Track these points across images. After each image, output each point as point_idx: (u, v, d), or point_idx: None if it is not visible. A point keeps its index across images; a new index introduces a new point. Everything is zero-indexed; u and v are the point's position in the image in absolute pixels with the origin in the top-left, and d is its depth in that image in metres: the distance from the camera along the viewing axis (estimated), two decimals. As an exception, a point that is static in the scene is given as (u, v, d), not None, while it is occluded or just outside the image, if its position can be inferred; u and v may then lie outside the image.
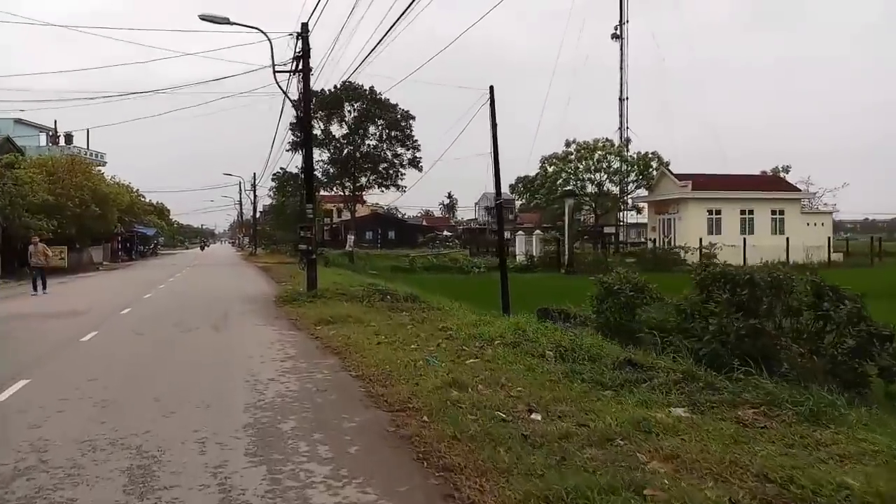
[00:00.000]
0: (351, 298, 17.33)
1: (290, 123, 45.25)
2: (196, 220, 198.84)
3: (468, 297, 18.88)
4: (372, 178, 46.78)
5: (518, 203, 68.71)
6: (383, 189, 46.81)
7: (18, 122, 62.77)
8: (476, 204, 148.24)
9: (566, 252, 42.85)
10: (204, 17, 18.12)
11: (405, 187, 47.38)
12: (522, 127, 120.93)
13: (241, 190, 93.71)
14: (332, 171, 46.00)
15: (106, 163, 67.73)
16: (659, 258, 43.64)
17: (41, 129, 64.15)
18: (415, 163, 46.89)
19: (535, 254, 47.81)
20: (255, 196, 62.25)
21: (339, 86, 44.74)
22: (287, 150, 45.33)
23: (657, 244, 49.96)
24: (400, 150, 46.93)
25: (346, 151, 46.18)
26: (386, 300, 16.91)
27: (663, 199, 51.54)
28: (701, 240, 43.69)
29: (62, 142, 63.21)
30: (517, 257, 49.46)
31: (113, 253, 57.29)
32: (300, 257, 19.75)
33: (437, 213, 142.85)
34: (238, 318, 14.85)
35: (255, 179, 61.27)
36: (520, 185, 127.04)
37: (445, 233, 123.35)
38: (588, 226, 47.78)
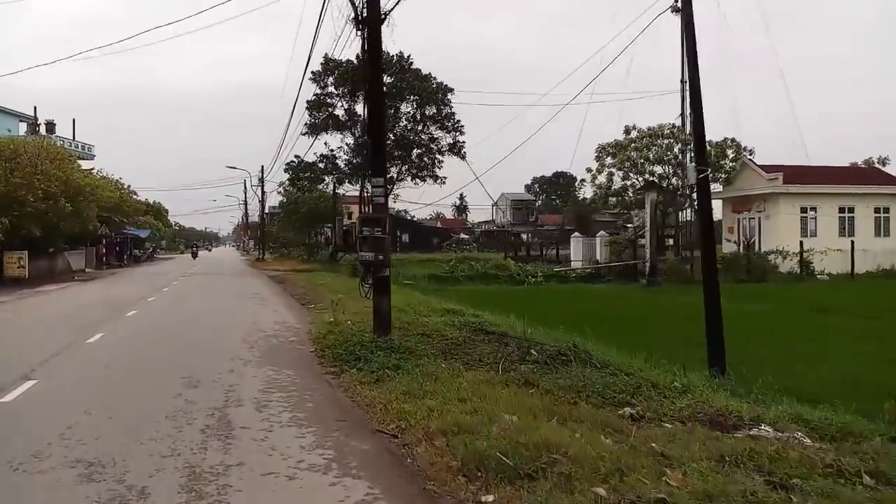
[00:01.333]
0: (463, 356, 9.21)
1: (308, 102, 37.23)
2: (200, 223, 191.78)
3: (615, 335, 11.82)
4: (404, 168, 38.50)
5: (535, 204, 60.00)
6: (417, 181, 38.59)
7: (-8, 107, 54.87)
8: (494, 205, 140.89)
9: (647, 258, 34.62)
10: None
11: (444, 179, 39.14)
12: (552, 126, 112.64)
13: (245, 188, 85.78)
14: (356, 160, 37.80)
15: (94, 156, 59.80)
16: (753, 265, 35.66)
17: (20, 116, 56.31)
18: (456, 148, 38.56)
19: (600, 259, 39.72)
20: (262, 192, 54.28)
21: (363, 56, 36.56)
22: (303, 135, 37.33)
23: (739, 247, 41.87)
24: (437, 133, 38.60)
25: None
26: (528, 362, 8.72)
27: (744, 195, 43.20)
28: (802, 243, 35.93)
29: (43, 131, 55.42)
30: (572, 263, 41.69)
31: (98, 258, 49.25)
32: (360, 275, 11.08)
33: (448, 215, 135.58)
34: (258, 428, 6.43)
35: (262, 173, 53.30)
36: (535, 186, 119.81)
37: (462, 235, 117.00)
38: (670, 226, 39.62)
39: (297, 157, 38.11)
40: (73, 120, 59.09)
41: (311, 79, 36.20)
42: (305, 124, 37.62)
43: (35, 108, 55.00)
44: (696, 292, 24.35)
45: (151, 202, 76.66)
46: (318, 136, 37.63)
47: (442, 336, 11.11)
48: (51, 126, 55.97)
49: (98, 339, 12.08)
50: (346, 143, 37.99)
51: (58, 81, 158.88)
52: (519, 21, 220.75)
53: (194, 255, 63.42)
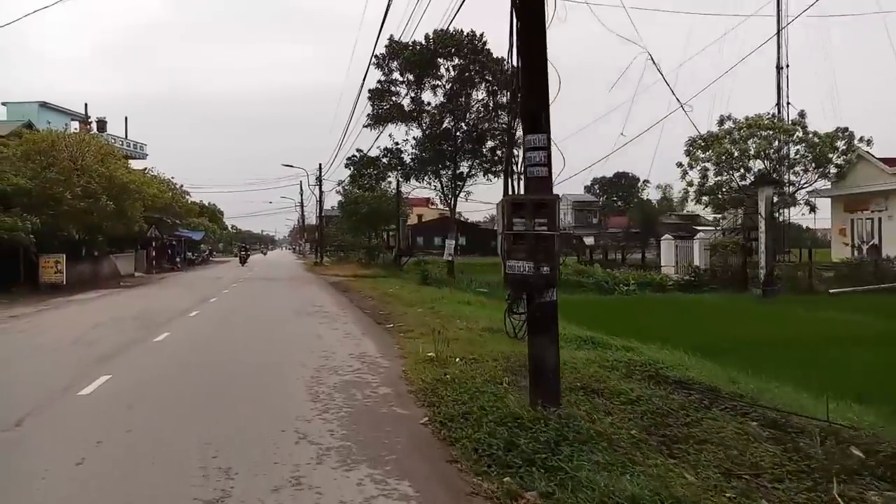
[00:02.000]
0: (687, 446, 4.95)
1: (370, 91, 33.42)
2: (256, 225, 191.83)
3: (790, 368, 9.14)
4: (475, 161, 34.28)
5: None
6: (490, 177, 34.25)
7: (44, 105, 53.13)
8: None
9: (762, 264, 29.50)
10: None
11: (520, 174, 34.63)
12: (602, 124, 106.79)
13: (302, 189, 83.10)
14: (424, 154, 33.83)
15: (146, 155, 57.65)
16: (882, 273, 30.25)
17: (71, 114, 54.49)
18: (535, 141, 34.19)
19: (700, 265, 34.78)
20: (320, 191, 50.78)
21: (432, 36, 32.59)
22: (366, 126, 33.52)
23: (853, 251, 36.36)
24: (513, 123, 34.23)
25: (444, 125, 33.81)
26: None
27: (861, 193, 37.46)
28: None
29: (94, 129, 53.42)
30: (662, 268, 36.86)
31: (149, 262, 46.62)
32: (507, 299, 6.71)
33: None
34: None
35: (320, 171, 49.84)
36: (596, 187, 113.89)
37: (585, 240, 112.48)
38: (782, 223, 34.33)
39: (358, 151, 34.43)
40: (126, 118, 57.07)
41: (374, 63, 32.45)
42: (367, 115, 33.87)
43: (86, 105, 52.97)
44: (829, 305, 19.56)
45: (206, 204, 74.61)
46: (382, 129, 33.82)
47: (618, 395, 6.86)
48: (102, 124, 53.90)
49: (98, 386, 8.16)
50: (413, 137, 34.05)
51: (113, 87, 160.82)
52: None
53: (243, 261, 56.07)
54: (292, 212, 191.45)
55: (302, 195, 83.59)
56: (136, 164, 53.50)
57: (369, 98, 33.72)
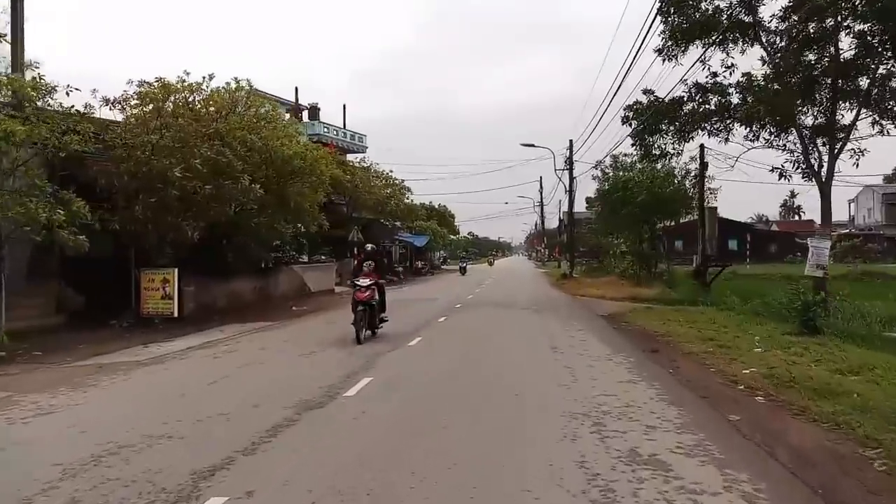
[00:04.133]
0: None
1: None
2: (493, 232, 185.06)
3: None
4: (858, 105, 18.52)
5: None
6: (885, 125, 18.32)
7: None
8: (851, 201, 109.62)
9: None
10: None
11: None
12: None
13: (541, 186, 70.76)
14: (772, 85, 18.91)
15: (366, 147, 49.13)
16: None
17: (279, 101, 47.74)
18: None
19: None
20: (570, 177, 36.82)
21: None
22: (657, 52, 19.63)
23: None
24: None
25: (805, 57, 18.40)
26: None
27: None
28: None
29: (305, 117, 46.01)
30: None
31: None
32: None
33: (772, 216, 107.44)
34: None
35: (571, 149, 36.13)
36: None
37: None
38: None
39: (647, 92, 20.44)
40: (344, 106, 49.15)
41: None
42: (660, 34, 19.93)
43: (296, 89, 45.52)
44: None
45: (437, 206, 65.39)
46: (683, 52, 19.58)
47: None
48: (314, 111, 46.11)
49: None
50: (749, 68, 19.22)
51: (365, 109, 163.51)
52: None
53: (462, 271, 50.73)
54: (529, 214, 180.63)
55: (542, 192, 71.24)
56: (352, 158, 45.30)
57: (659, 10, 19.75)
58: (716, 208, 24.70)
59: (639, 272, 32.47)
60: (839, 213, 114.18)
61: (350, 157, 43.56)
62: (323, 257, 36.86)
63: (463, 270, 52.45)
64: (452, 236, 72.64)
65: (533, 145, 34.84)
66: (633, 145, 21.06)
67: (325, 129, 44.66)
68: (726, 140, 20.56)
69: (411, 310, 20.27)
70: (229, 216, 18.03)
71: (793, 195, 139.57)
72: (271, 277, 24.36)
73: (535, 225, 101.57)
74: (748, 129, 19.57)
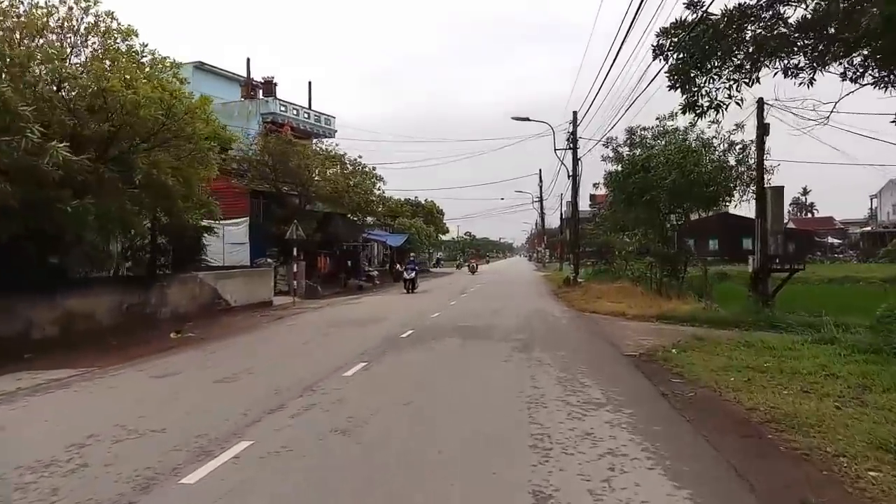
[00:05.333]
0: None
1: None
2: (494, 232, 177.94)
3: None
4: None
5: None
6: None
7: (200, 67, 39.59)
8: (874, 196, 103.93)
9: None
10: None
11: None
12: None
13: (541, 179, 63.61)
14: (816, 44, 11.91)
15: (335, 131, 41.95)
16: None
17: (233, 77, 40.63)
18: None
19: None
20: (574, 157, 28.68)
21: None
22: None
23: None
24: None
25: None
26: None
27: None
28: None
29: (260, 95, 38.88)
30: None
31: (330, 276, 30.10)
32: None
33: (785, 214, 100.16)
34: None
35: (575, 122, 28.38)
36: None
37: (830, 240, 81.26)
38: None
39: (693, 4, 13.35)
40: (309, 83, 41.97)
41: None
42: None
43: (248, 59, 38.22)
44: None
45: (423, 201, 58.21)
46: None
47: None
48: (269, 86, 38.86)
49: None
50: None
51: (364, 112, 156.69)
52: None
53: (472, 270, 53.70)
54: (528, 210, 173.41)
55: (541, 186, 64.02)
56: (318, 144, 38.13)
57: None
58: (782, 188, 17.47)
59: (661, 278, 25.34)
60: (855, 209, 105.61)
61: (317, 142, 36.48)
62: (269, 260, 29.92)
63: (472, 269, 56.86)
64: (443, 236, 65.26)
65: (528, 119, 27.41)
66: (670, 87, 13.82)
67: (283, 108, 37.52)
68: (811, 81, 13.34)
69: (325, 346, 13.12)
70: (26, 197, 10.89)
71: (805, 192, 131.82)
72: (155, 290, 17.20)
73: (536, 224, 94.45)
74: (854, 58, 12.34)
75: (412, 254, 38.77)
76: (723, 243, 61.26)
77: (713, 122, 18.79)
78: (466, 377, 9.40)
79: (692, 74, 13.54)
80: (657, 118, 23.14)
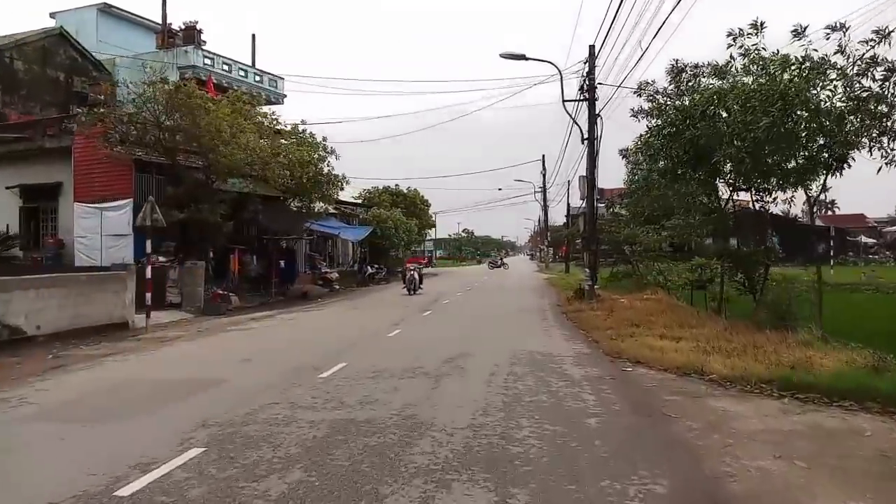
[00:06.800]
0: None
1: None
2: (496, 230, 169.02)
3: None
4: None
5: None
6: None
7: (106, 11, 30.89)
8: None
9: None
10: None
11: None
12: None
13: (544, 166, 54.78)
14: None
15: (285, 96, 33.13)
16: None
17: (146, 24, 31.92)
18: None
19: None
20: (591, 108, 18.68)
21: None
22: None
23: None
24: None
25: None
26: None
27: None
28: None
29: (179, 41, 30.15)
30: None
31: (230, 281, 21.26)
32: None
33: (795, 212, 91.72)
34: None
35: (592, 61, 19.06)
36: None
37: (864, 239, 74.25)
38: None
39: None
40: (253, 36, 33.31)
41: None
42: None
43: (164, 2, 29.36)
44: None
45: (405, 190, 49.40)
46: None
47: None
48: (190, 33, 29.95)
49: None
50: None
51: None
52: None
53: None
54: (531, 204, 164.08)
55: (544, 174, 55.19)
56: (265, 110, 29.02)
57: None
58: None
59: (721, 291, 16.68)
60: (877, 207, 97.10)
61: (267, 110, 27.53)
62: (161, 258, 21.16)
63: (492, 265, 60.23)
64: (429, 231, 56.17)
65: (524, 57, 18.35)
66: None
67: (209, 62, 28.76)
68: None
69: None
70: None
71: (824, 188, 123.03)
72: None
73: (539, 220, 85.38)
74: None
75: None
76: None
77: (832, 28, 10.65)
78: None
79: None
80: (728, 33, 14.22)
